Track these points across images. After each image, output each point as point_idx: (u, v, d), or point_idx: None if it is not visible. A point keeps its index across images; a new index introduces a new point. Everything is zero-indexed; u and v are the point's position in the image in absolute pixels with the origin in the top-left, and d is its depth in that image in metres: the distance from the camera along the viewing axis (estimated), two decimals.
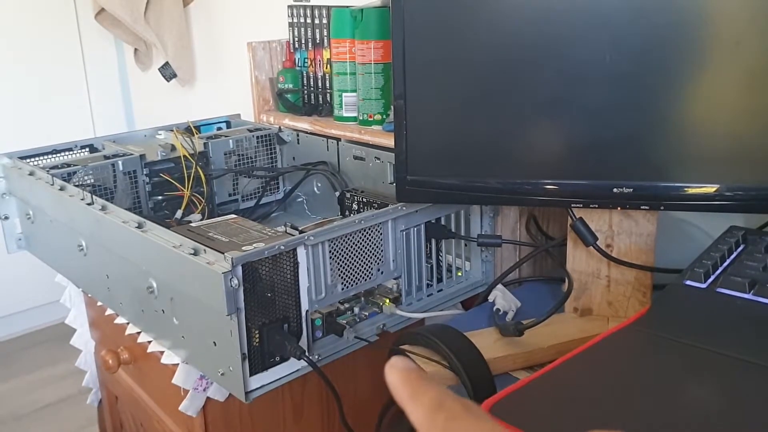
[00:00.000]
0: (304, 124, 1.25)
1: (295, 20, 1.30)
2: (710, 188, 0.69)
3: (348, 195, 1.05)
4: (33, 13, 2.25)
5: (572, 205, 0.75)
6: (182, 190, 1.13)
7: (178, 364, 0.83)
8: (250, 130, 1.24)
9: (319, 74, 1.28)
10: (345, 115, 1.18)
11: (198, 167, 1.14)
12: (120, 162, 1.08)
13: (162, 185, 1.13)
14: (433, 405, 0.27)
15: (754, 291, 0.56)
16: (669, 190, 0.71)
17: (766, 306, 0.55)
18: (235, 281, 0.66)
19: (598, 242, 0.76)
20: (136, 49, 2.21)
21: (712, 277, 0.60)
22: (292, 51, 1.33)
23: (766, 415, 0.42)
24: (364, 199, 1.02)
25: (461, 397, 0.27)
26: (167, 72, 2.02)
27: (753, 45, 0.65)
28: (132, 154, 1.10)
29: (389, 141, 1.04)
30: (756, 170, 0.68)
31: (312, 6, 1.26)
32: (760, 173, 0.68)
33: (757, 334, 0.52)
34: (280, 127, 1.27)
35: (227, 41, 1.90)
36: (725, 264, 0.62)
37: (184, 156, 1.13)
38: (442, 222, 0.90)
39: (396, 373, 0.28)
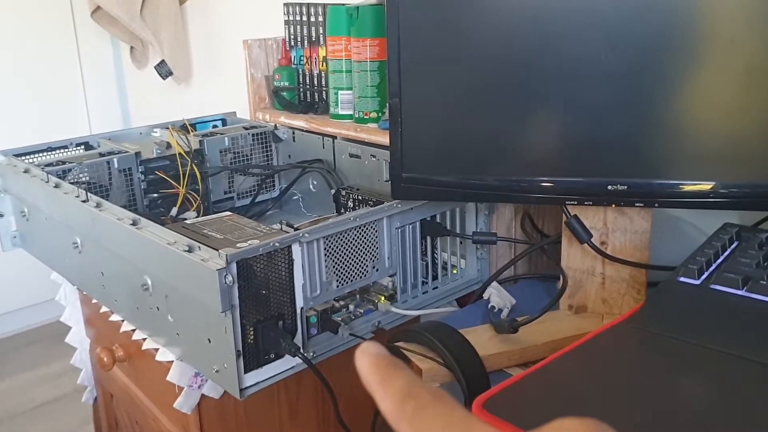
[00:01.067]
0: (299, 121, 1.25)
1: (291, 18, 1.30)
2: (705, 186, 0.69)
3: (343, 193, 1.05)
4: (29, 12, 2.24)
5: (567, 203, 0.75)
6: (177, 188, 1.13)
7: (172, 362, 0.83)
8: (245, 128, 1.24)
9: (315, 72, 1.28)
10: (341, 112, 1.18)
11: (193, 165, 1.13)
12: (115, 159, 1.08)
13: (157, 183, 1.13)
14: (402, 393, 0.26)
15: (747, 287, 0.57)
16: (664, 188, 0.71)
17: (759, 302, 0.55)
18: (230, 278, 0.66)
19: (592, 239, 0.76)
20: (132, 47, 2.21)
21: (706, 274, 0.60)
22: (287, 49, 1.33)
23: (760, 410, 0.43)
24: (360, 197, 1.02)
25: (431, 385, 0.27)
26: (163, 70, 2.01)
27: (748, 42, 0.65)
28: (127, 152, 1.10)
29: (385, 139, 1.04)
30: (750, 168, 0.68)
31: (308, 4, 1.26)
32: (755, 171, 0.68)
33: (751, 331, 0.52)
34: (275, 125, 1.27)
35: (223, 39, 1.89)
36: (719, 261, 0.63)
37: (180, 154, 1.13)
38: (438, 219, 0.90)
39: (366, 359, 0.27)
